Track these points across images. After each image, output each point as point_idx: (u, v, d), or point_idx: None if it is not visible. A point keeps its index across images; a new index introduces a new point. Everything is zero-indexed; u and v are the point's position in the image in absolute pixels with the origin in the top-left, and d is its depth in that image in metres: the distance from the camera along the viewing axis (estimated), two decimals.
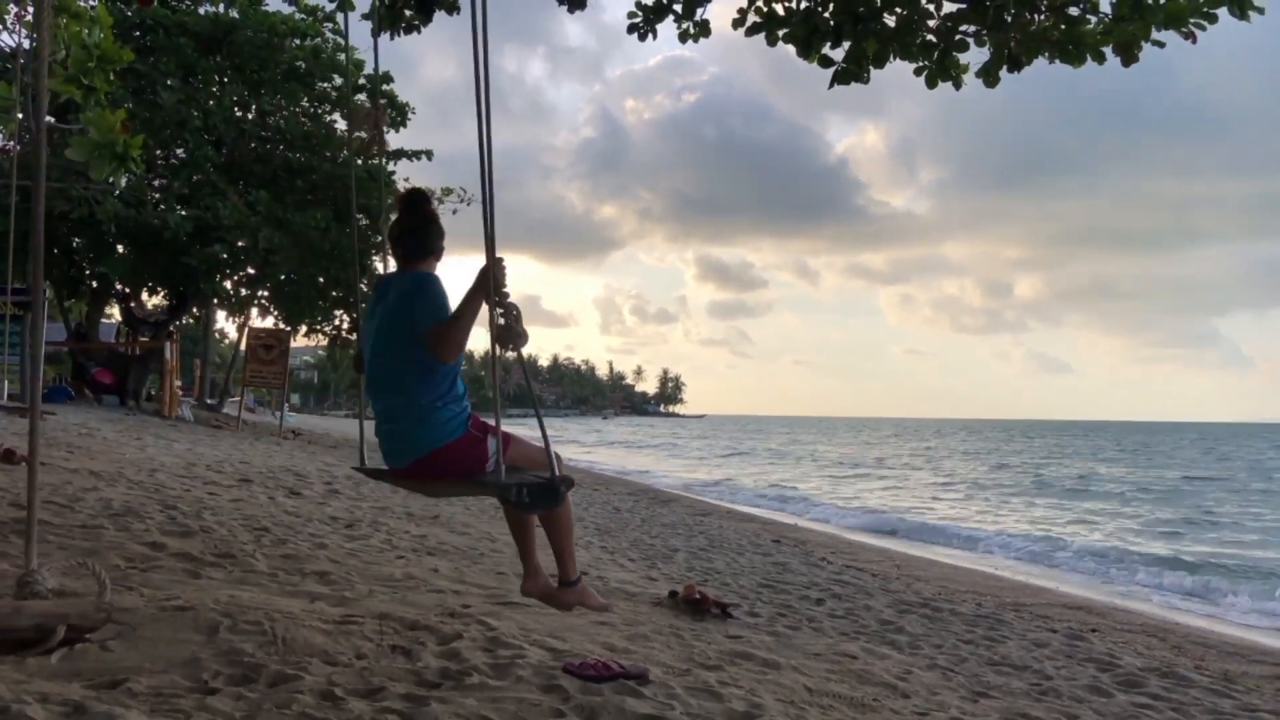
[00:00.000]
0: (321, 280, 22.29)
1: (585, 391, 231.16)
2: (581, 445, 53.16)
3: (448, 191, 24.30)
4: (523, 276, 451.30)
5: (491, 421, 3.43)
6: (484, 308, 3.33)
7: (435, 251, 3.61)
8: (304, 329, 25.06)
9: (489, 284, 3.27)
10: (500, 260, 3.32)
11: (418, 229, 3.60)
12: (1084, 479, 32.57)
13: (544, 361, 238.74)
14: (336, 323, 25.45)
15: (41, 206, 2.43)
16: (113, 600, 2.53)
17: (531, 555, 3.82)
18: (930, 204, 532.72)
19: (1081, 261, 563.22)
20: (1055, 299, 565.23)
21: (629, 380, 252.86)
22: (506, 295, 3.31)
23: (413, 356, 3.44)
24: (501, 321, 3.29)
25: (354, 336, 25.82)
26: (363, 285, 24.25)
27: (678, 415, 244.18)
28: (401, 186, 23.15)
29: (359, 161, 19.90)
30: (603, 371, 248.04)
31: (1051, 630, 7.08)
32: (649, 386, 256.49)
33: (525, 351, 3.40)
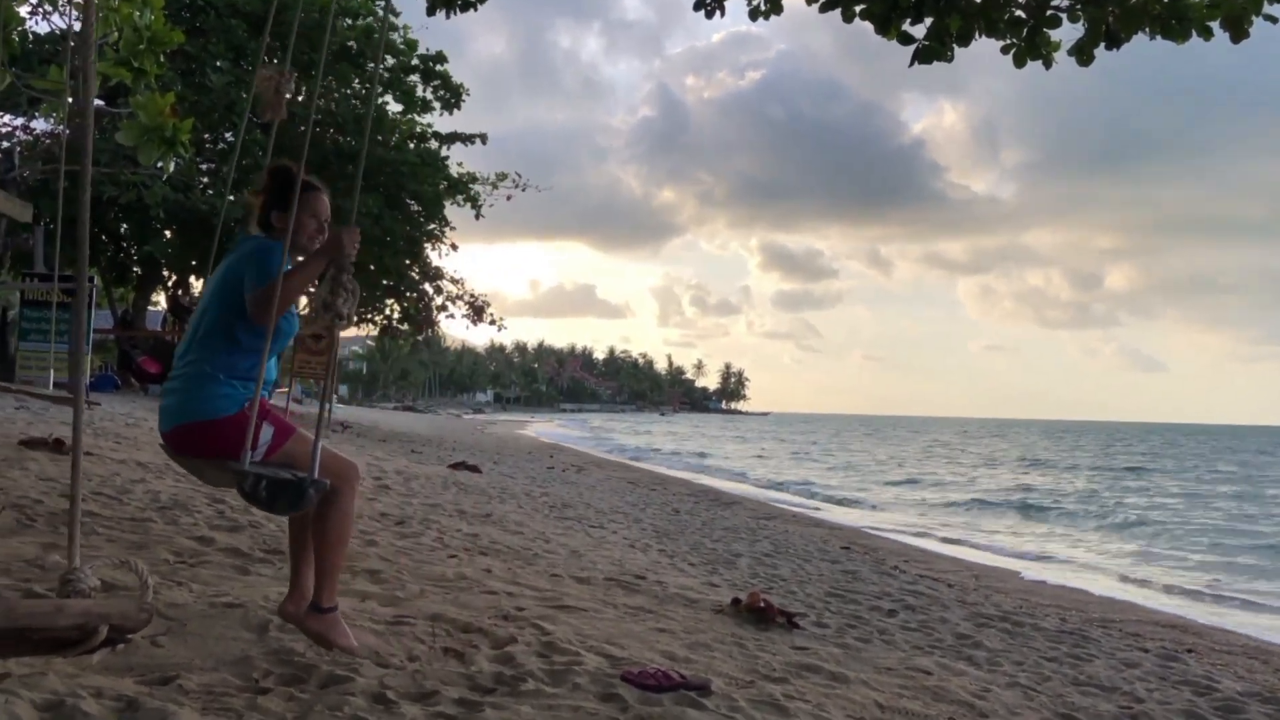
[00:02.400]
0: (372, 268, 22.64)
1: (642, 386, 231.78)
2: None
3: (502, 176, 24.52)
4: (576, 264, 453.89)
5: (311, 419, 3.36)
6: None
7: (270, 223, 3.59)
8: (355, 319, 25.51)
9: (334, 252, 3.29)
10: (355, 230, 3.35)
11: (264, 200, 3.63)
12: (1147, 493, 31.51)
13: (599, 354, 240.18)
14: (387, 312, 25.86)
15: (88, 193, 2.50)
16: (155, 600, 2.58)
17: (302, 575, 3.63)
18: (1014, 188, 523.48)
19: (1180, 251, 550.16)
20: (1150, 291, 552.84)
21: (689, 375, 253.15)
22: (349, 271, 3.27)
23: (227, 324, 3.43)
24: (330, 296, 3.22)
25: (405, 326, 26.26)
26: (413, 273, 24.58)
27: (740, 412, 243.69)
28: (455, 172, 23.44)
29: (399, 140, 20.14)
30: (661, 365, 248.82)
31: (1143, 649, 6.94)
32: (710, 382, 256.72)
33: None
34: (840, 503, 22.86)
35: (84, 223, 2.64)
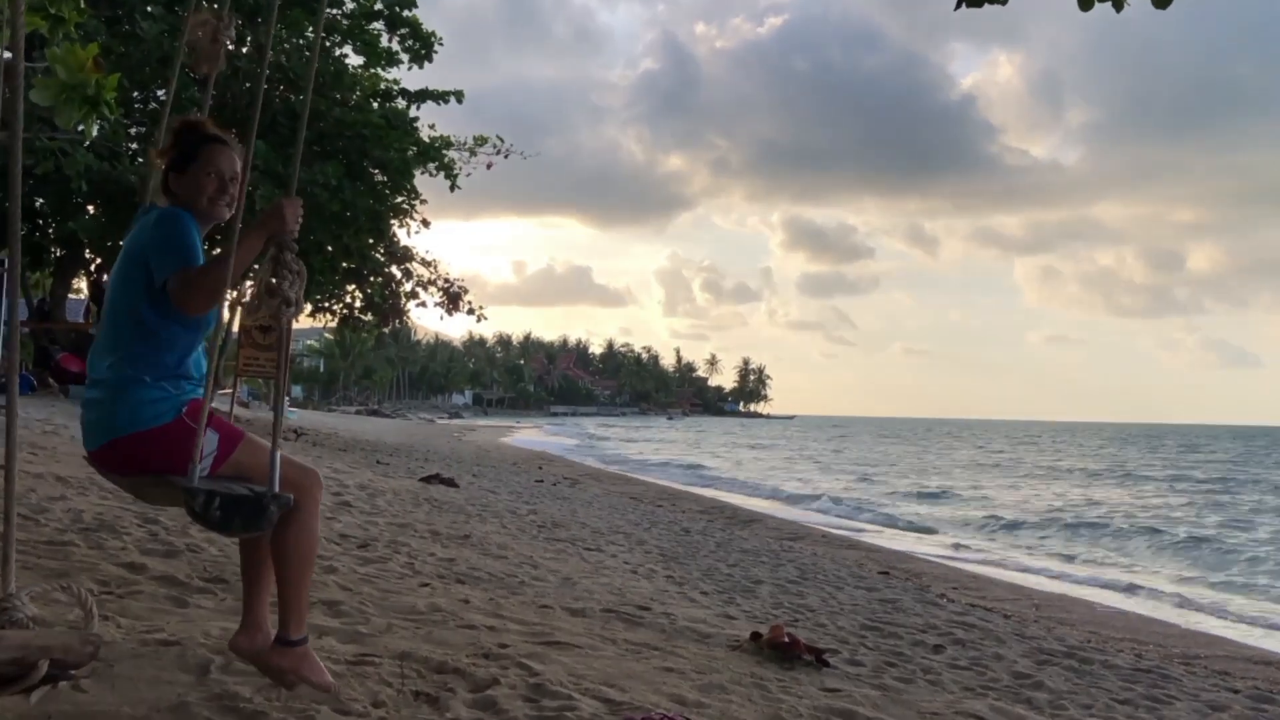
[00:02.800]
0: (330, 249, 22.57)
1: (647, 386, 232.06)
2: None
3: (481, 141, 24.48)
4: (569, 243, 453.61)
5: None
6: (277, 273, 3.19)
7: (169, 187, 3.53)
8: (309, 307, 25.46)
9: (274, 226, 3.24)
10: (297, 200, 3.29)
11: (169, 162, 3.56)
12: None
13: (596, 348, 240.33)
14: (348, 300, 25.84)
15: (19, 165, 2.49)
16: (100, 631, 2.59)
17: (256, 603, 3.56)
18: (1080, 153, 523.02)
19: (1276, 226, 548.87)
20: (1239, 273, 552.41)
21: (701, 372, 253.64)
22: (293, 249, 3.22)
23: (136, 313, 3.35)
24: (273, 279, 3.15)
25: (368, 316, 26.26)
26: (378, 254, 24.62)
27: (761, 415, 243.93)
28: (427, 136, 23.42)
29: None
30: (668, 361, 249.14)
31: (1232, 690, 6.95)
32: (726, 380, 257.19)
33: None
34: (878, 521, 22.89)
35: (15, 198, 2.64)
